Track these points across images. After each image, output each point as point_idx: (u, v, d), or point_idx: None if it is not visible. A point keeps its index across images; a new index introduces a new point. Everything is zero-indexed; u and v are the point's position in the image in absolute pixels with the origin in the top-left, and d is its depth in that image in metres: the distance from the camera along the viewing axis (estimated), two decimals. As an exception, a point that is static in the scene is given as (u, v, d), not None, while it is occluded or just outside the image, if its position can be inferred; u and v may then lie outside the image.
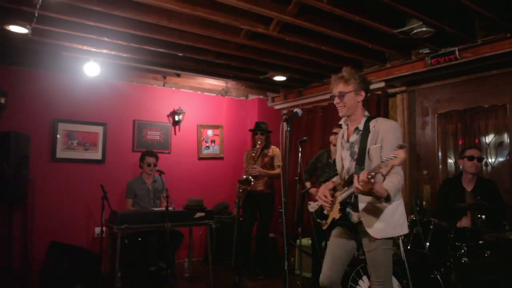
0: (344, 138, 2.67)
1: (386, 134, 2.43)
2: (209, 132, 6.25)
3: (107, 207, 4.47)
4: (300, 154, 4.25)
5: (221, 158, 6.34)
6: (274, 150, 5.07)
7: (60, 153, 4.98)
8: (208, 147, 6.23)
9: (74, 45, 4.17)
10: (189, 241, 5.12)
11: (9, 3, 3.28)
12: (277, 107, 6.44)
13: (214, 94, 6.28)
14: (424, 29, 3.65)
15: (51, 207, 4.86)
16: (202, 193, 5.72)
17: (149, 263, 4.67)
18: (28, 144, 4.55)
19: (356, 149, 2.54)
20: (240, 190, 4.86)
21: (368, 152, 2.44)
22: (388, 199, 2.25)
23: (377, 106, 4.96)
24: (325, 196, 2.61)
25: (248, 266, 5.09)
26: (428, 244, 3.33)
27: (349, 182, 2.49)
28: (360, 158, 2.47)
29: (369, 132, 2.49)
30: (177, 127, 5.90)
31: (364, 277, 3.46)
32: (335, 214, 2.60)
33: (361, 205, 2.46)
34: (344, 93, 2.56)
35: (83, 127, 5.15)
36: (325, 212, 2.70)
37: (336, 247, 2.64)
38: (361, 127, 2.55)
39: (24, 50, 4.44)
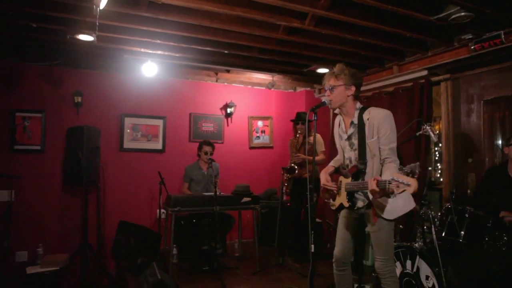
0: (342, 129, 2.71)
1: (381, 125, 2.48)
2: (259, 123, 6.28)
3: (165, 192, 4.70)
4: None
5: (271, 147, 6.35)
6: (318, 137, 4.99)
7: (127, 144, 5.29)
8: (258, 137, 6.27)
9: (133, 48, 4.39)
10: (238, 224, 5.23)
11: (75, 15, 3.54)
12: (323, 98, 6.27)
13: (263, 88, 6.28)
14: (462, 14, 3.34)
15: (120, 191, 5.20)
16: (252, 180, 5.81)
17: (202, 243, 4.85)
18: (99, 136, 4.91)
19: (354, 140, 2.61)
20: (285, 178, 4.86)
21: (368, 146, 2.51)
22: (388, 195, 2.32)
23: (421, 95, 4.67)
24: (328, 182, 2.69)
25: (294, 248, 5.08)
26: (463, 233, 3.10)
27: (355, 176, 2.56)
28: (361, 152, 2.54)
29: (364, 124, 2.54)
30: (229, 119, 6.01)
31: (397, 263, 3.32)
32: (343, 201, 2.64)
33: (371, 196, 2.49)
34: (334, 87, 2.61)
35: (146, 120, 5.41)
36: (332, 192, 2.77)
37: (344, 225, 2.75)
38: (355, 120, 2.60)
39: (94, 55, 4.79)
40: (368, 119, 2.52)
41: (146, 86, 5.42)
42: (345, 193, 2.63)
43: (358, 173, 2.56)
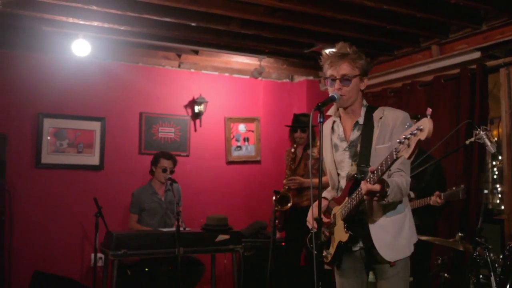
0: (340, 135, 2.74)
1: (398, 128, 2.54)
2: (241, 128, 6.26)
3: (103, 228, 4.59)
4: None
5: (258, 162, 6.33)
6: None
7: (46, 157, 5.18)
8: (239, 147, 6.24)
9: (56, 16, 4.33)
10: (211, 273, 5.16)
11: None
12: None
13: (246, 76, 6.27)
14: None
15: (34, 227, 5.05)
16: (231, 209, 5.77)
17: (158, 301, 4.75)
18: (5, 146, 4.76)
19: (358, 149, 2.64)
20: (276, 208, 4.85)
21: (376, 153, 2.56)
22: (384, 194, 2.36)
23: (471, 86, 4.74)
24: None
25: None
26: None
27: (351, 189, 2.56)
28: (364, 158, 2.57)
29: (373, 126, 2.60)
30: (197, 121, 5.97)
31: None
32: (340, 236, 2.63)
33: (371, 217, 2.57)
34: (351, 77, 2.61)
35: (75, 123, 5.32)
36: (323, 238, 2.75)
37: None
38: (361, 121, 2.67)
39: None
40: (381, 118, 2.61)
41: (76, 73, 5.33)
42: (342, 223, 2.62)
43: (356, 185, 2.54)
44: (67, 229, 5.22)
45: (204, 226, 4.78)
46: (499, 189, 5.59)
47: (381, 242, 2.54)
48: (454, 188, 3.77)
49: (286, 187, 4.91)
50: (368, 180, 2.35)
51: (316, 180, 4.77)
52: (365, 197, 2.39)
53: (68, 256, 5.20)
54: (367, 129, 2.62)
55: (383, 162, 2.26)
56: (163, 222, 5.02)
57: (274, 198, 4.91)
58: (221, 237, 4.63)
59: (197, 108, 5.89)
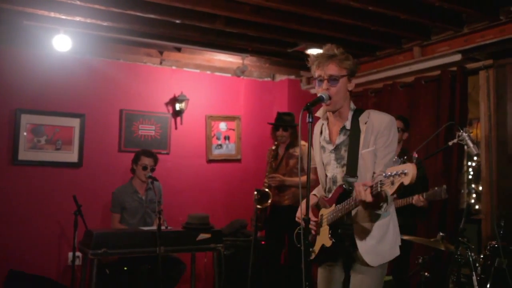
0: (326, 138, 2.78)
1: (382, 132, 2.57)
2: (222, 126, 6.26)
3: (82, 226, 4.55)
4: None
5: (238, 161, 6.35)
6: (304, 149, 5.01)
7: (23, 154, 5.11)
8: (220, 145, 6.25)
9: (38, 10, 4.27)
10: (191, 272, 5.14)
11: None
12: (313, 91, 6.36)
13: (228, 75, 6.29)
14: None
15: (11, 224, 4.99)
16: (212, 207, 5.78)
17: (137, 300, 4.71)
18: (-19, 142, 4.71)
19: (343, 152, 2.68)
20: (258, 206, 4.86)
21: (362, 158, 2.59)
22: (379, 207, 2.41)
23: (452, 88, 4.84)
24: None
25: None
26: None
27: (340, 199, 2.58)
28: (351, 165, 2.60)
29: (359, 131, 2.62)
30: (178, 119, 5.97)
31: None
32: (324, 240, 2.66)
33: (356, 222, 2.60)
34: (339, 77, 2.61)
35: (54, 119, 5.27)
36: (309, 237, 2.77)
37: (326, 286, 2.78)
38: (348, 125, 2.68)
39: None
40: (366, 123, 2.63)
41: (56, 68, 5.28)
42: (327, 228, 2.66)
43: (344, 195, 2.59)
44: (44, 227, 5.16)
45: (185, 225, 4.77)
46: (473, 189, 5.72)
47: (364, 247, 2.58)
48: (436, 188, 3.84)
49: (266, 185, 4.92)
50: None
51: (303, 178, 4.83)
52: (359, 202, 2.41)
53: (45, 255, 5.14)
54: (354, 134, 2.64)
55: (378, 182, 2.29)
56: (143, 221, 5.00)
57: (255, 195, 4.92)
58: (202, 236, 4.61)
59: (178, 106, 5.89)
